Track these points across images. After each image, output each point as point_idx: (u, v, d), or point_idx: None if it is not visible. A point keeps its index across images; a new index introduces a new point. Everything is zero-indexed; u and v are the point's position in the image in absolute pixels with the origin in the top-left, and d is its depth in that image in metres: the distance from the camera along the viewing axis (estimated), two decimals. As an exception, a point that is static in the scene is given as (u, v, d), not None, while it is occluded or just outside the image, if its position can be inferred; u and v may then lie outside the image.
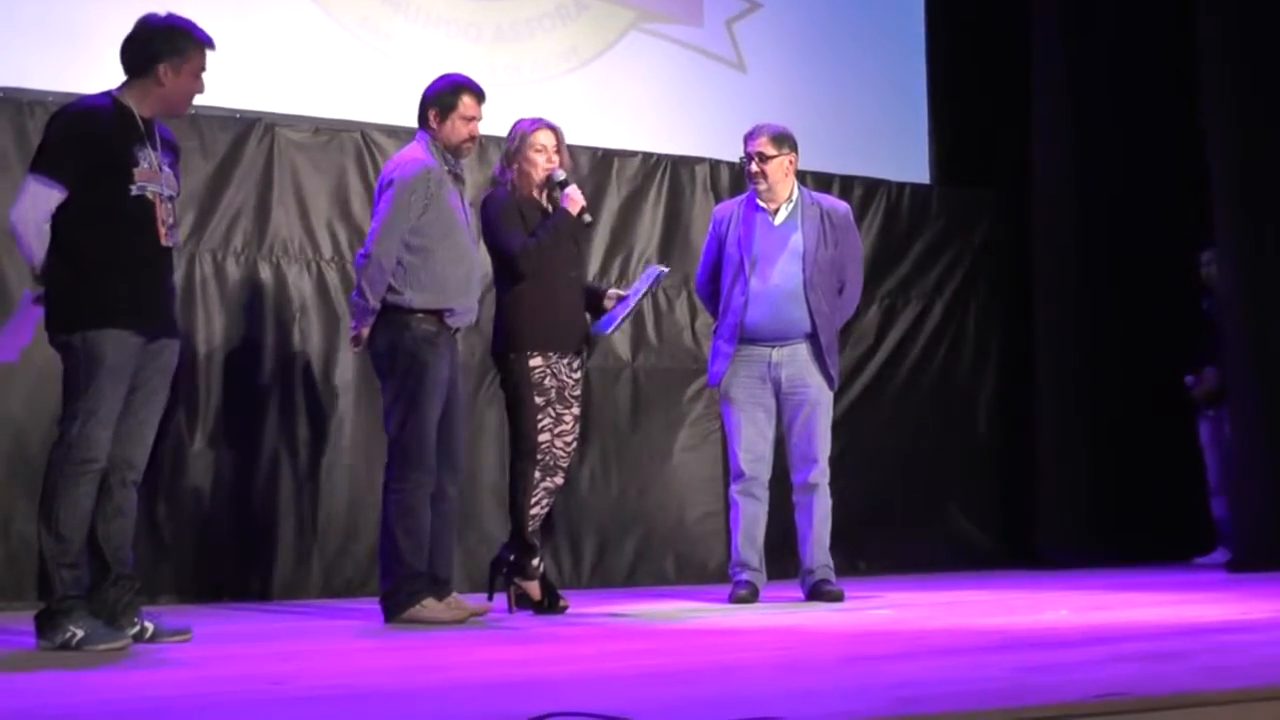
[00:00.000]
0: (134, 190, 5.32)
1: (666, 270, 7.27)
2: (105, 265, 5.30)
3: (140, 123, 5.41)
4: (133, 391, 5.35)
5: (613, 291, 6.95)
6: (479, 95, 6.38)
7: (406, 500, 6.11)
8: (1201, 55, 9.12)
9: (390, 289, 6.15)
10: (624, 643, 5.49)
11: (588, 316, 6.86)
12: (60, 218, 5.31)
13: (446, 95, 6.36)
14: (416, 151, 6.29)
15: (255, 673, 4.59)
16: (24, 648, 5.25)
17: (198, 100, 7.49)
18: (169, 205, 5.42)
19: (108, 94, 5.45)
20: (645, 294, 6.93)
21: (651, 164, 9.01)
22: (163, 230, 5.37)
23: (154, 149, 5.42)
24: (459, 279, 6.28)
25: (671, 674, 4.47)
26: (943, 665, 4.51)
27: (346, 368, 7.94)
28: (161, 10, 5.60)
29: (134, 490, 5.44)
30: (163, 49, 5.43)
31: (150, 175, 5.36)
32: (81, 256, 5.31)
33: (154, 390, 5.44)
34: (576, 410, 6.72)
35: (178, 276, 7.34)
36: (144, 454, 5.46)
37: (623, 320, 6.89)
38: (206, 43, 5.51)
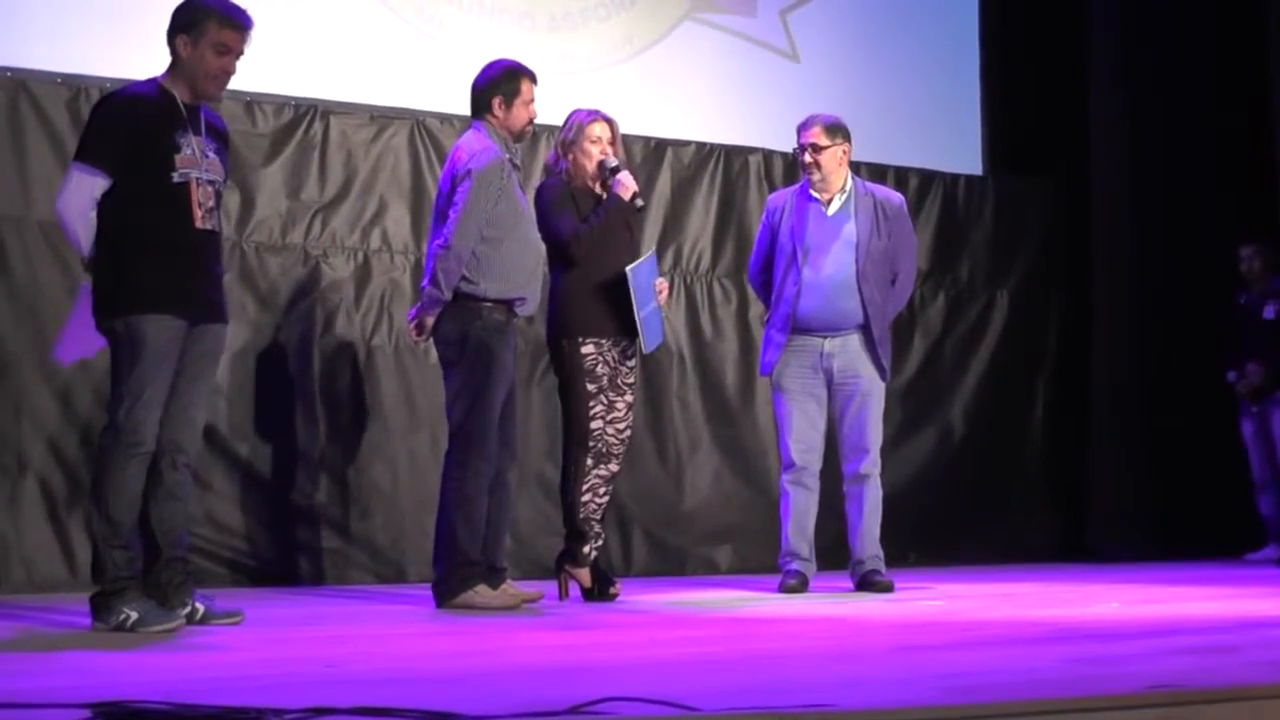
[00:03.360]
0: (176, 178, 5.33)
1: (652, 252, 7.21)
2: (145, 251, 5.32)
3: (182, 108, 5.40)
4: (178, 375, 5.37)
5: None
6: (534, 79, 6.40)
7: (466, 488, 6.13)
8: (1271, 43, 9.04)
9: (463, 279, 6.16)
10: (674, 630, 5.51)
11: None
12: (103, 205, 5.35)
13: (508, 82, 6.35)
14: (484, 140, 6.26)
15: (308, 655, 4.63)
16: (79, 629, 5.30)
17: (252, 86, 7.64)
18: (208, 188, 5.40)
19: (153, 80, 5.46)
20: (648, 288, 6.75)
21: (705, 153, 9.02)
22: (198, 213, 5.35)
23: (198, 134, 5.42)
24: (528, 268, 6.30)
25: (722, 661, 4.47)
26: (993, 656, 4.50)
27: (396, 356, 7.97)
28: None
29: (186, 473, 5.47)
30: (179, 22, 5.42)
31: (192, 162, 5.36)
32: (122, 243, 5.33)
33: (199, 374, 5.46)
34: (630, 397, 6.74)
35: (228, 262, 7.50)
36: (193, 437, 5.49)
37: (651, 324, 6.79)
38: (229, 17, 5.41)
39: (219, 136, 5.58)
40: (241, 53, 5.46)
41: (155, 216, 5.33)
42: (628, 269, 6.59)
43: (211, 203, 5.43)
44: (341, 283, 7.94)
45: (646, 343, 6.72)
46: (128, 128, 5.34)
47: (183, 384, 5.39)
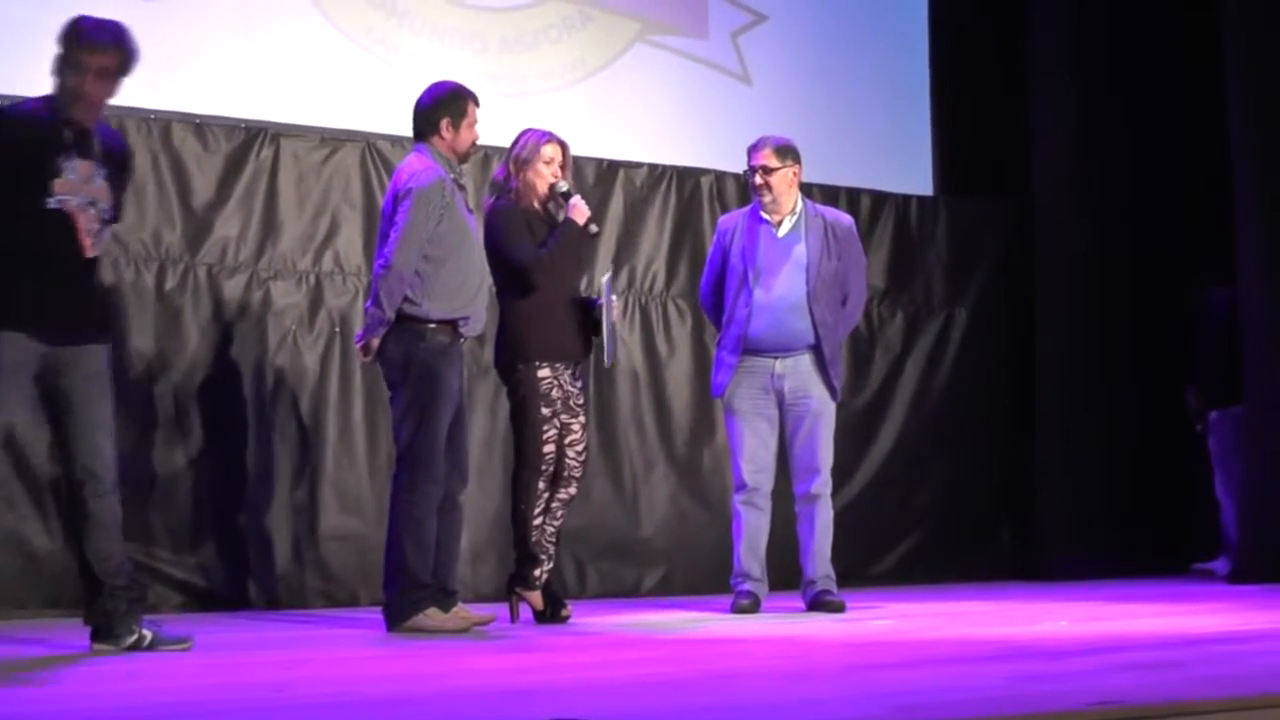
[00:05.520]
0: (51, 203, 5.24)
1: (610, 274, 7.13)
2: (7, 271, 5.24)
3: (68, 130, 5.31)
4: (67, 401, 5.31)
5: (600, 302, 6.87)
6: (477, 101, 6.42)
7: (415, 510, 6.11)
8: (1225, 52, 9.09)
9: (406, 299, 6.15)
10: (624, 652, 5.51)
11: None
12: None
13: (457, 104, 6.35)
14: (426, 161, 6.26)
15: (257, 680, 4.61)
16: (25, 655, 5.27)
17: (202, 108, 7.65)
18: (91, 211, 5.31)
19: (46, 98, 5.38)
20: (612, 307, 6.77)
21: (657, 175, 9.03)
22: (87, 241, 5.29)
23: (86, 158, 5.33)
24: (471, 288, 6.30)
25: (670, 683, 4.48)
26: (941, 674, 4.53)
27: (348, 379, 7.95)
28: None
29: (109, 499, 5.36)
30: (58, 39, 5.37)
31: (73, 187, 5.28)
32: None
33: (92, 397, 5.36)
34: (583, 418, 6.74)
35: (177, 284, 7.58)
36: (105, 462, 5.37)
37: (615, 341, 6.81)
38: (84, 32, 5.31)
39: (113, 160, 5.47)
40: (109, 71, 5.33)
41: (24, 239, 5.25)
42: (604, 278, 6.63)
43: (98, 226, 5.35)
44: (294, 305, 7.92)
45: (609, 355, 6.74)
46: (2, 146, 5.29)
47: (79, 409, 5.32)
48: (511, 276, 6.62)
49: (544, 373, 6.59)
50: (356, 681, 4.60)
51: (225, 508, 7.68)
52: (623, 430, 8.78)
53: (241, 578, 7.67)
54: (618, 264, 8.80)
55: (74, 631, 5.55)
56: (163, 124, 7.68)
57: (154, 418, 7.54)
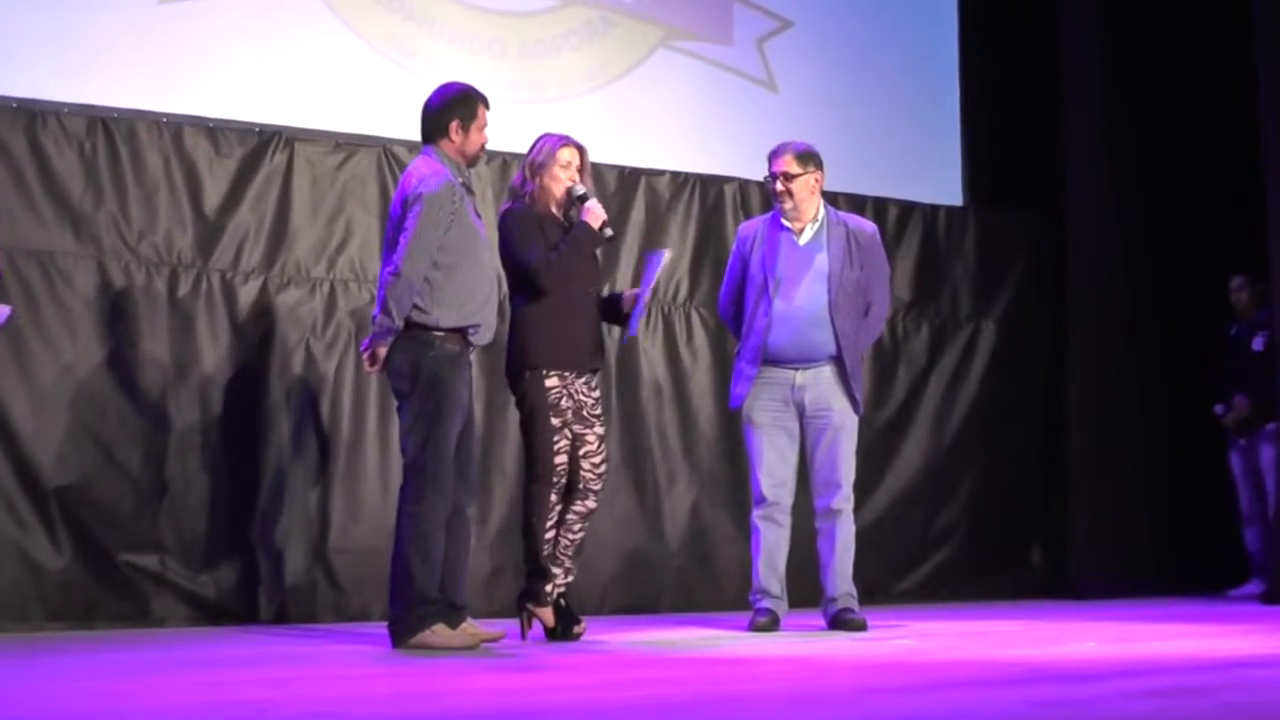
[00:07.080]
0: None
1: (667, 252, 6.96)
2: None
3: None
4: None
5: (629, 293, 6.74)
6: (488, 104, 6.26)
7: (422, 524, 5.96)
8: (1259, 61, 8.90)
9: (415, 308, 5.99)
10: (631, 671, 5.34)
11: (605, 328, 6.74)
12: None
13: (467, 105, 6.19)
14: (434, 165, 6.09)
15: (242, 699, 4.46)
16: None
17: (216, 112, 7.56)
18: None
19: None
20: (655, 282, 6.70)
21: (680, 182, 8.89)
22: None
23: None
24: (481, 295, 6.13)
25: (672, 705, 4.32)
26: (955, 698, 4.37)
27: (362, 387, 7.82)
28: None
29: None
30: None
31: None
32: None
33: None
34: (600, 429, 6.57)
35: (190, 290, 7.53)
36: None
37: (643, 311, 6.67)
38: None
39: None
40: None
41: None
42: (658, 254, 6.63)
43: None
44: (307, 311, 7.80)
45: (633, 326, 6.61)
46: None
47: None
48: (521, 279, 6.46)
49: (552, 382, 6.42)
50: (345, 701, 4.45)
51: (237, 518, 7.56)
52: (646, 441, 8.62)
53: (252, 590, 7.55)
54: (639, 272, 8.65)
55: (72, 644, 5.42)
56: (175, 128, 7.58)
57: (165, 425, 7.44)
